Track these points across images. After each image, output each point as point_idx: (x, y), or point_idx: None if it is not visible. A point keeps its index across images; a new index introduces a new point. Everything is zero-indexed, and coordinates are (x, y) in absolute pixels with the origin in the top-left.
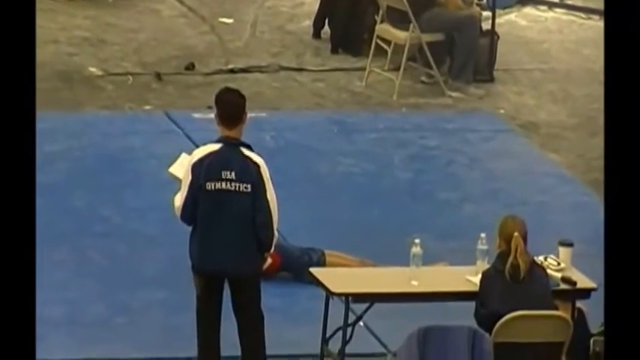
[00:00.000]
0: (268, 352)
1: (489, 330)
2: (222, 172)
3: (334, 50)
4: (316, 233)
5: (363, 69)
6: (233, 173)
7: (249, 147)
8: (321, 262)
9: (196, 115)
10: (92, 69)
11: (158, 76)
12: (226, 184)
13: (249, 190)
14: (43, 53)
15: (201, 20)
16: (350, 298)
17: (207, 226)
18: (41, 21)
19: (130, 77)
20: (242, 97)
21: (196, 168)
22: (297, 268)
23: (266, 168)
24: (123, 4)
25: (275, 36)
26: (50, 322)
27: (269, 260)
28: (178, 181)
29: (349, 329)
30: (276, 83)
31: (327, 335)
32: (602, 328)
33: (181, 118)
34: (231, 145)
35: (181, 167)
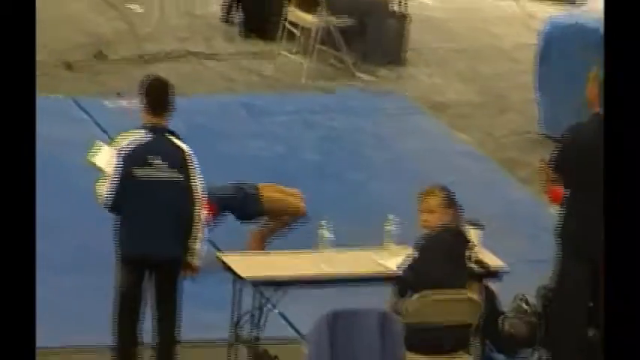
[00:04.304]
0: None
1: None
2: (149, 159)
3: (244, 34)
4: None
5: (273, 52)
6: (160, 160)
7: (175, 134)
8: (257, 196)
9: (106, 103)
10: None
11: (67, 65)
12: (153, 171)
13: (176, 176)
14: None
15: (109, 7)
16: (258, 282)
17: (135, 213)
18: None
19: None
20: (170, 86)
21: (122, 155)
22: (235, 205)
23: (192, 154)
24: None
25: (183, 21)
26: None
27: (204, 212)
28: (101, 171)
29: (259, 314)
30: (186, 68)
31: (238, 320)
32: (515, 305)
33: (91, 105)
34: (158, 132)
35: (103, 156)
